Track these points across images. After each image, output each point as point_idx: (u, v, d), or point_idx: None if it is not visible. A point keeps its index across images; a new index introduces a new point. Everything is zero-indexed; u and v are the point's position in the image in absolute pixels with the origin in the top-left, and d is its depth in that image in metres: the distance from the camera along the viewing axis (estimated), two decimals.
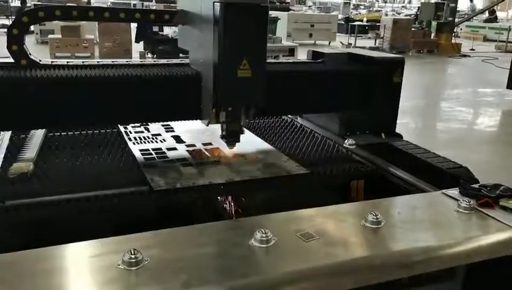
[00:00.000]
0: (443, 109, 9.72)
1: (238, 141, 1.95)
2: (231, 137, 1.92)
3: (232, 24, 1.69)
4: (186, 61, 2.16)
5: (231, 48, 1.72)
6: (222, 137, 1.93)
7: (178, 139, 2.28)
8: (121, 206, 1.65)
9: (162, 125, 2.46)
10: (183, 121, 2.22)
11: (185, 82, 1.96)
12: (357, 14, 30.57)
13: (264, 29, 1.78)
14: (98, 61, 2.12)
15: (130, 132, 2.34)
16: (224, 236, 1.33)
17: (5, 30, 1.89)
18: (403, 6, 43.73)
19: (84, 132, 2.29)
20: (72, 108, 1.84)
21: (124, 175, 1.81)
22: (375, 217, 1.39)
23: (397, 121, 2.48)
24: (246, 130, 2.29)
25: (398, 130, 2.47)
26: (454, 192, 1.64)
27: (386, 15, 27.03)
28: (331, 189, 2.04)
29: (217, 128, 2.01)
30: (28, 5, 18.61)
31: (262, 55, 1.79)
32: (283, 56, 11.64)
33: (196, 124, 2.20)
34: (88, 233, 1.29)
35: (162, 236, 1.30)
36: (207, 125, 1.92)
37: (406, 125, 7.71)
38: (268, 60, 1.92)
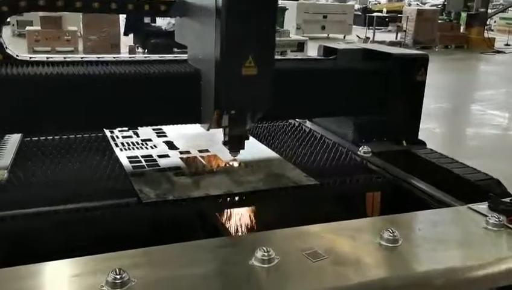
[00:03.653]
0: (473, 112, 9.72)
1: (243, 148, 1.96)
2: (235, 143, 1.94)
3: (236, 15, 1.71)
4: (183, 57, 2.19)
5: (235, 43, 1.73)
6: (225, 143, 1.95)
7: (171, 145, 2.30)
8: (106, 220, 1.66)
9: (153, 130, 2.48)
10: (177, 126, 2.24)
11: (181, 81, 1.98)
12: (376, 4, 30.66)
13: (272, 22, 1.80)
14: (81, 57, 2.15)
15: (117, 137, 2.36)
16: (221, 254, 1.35)
17: None
18: None
19: (65, 136, 2.31)
20: (52, 110, 1.86)
21: (109, 185, 1.83)
22: (392, 234, 1.40)
23: (420, 126, 2.50)
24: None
25: (421, 136, 2.48)
26: (482, 207, 1.65)
27: (409, 5, 27.06)
28: (343, 202, 2.06)
29: (215, 133, 2.04)
30: None
31: (270, 50, 1.80)
32: (291, 52, 11.67)
33: (191, 129, 2.21)
34: (69, 250, 1.30)
35: (152, 254, 1.32)
36: (207, 130, 1.94)
37: (431, 131, 7.71)
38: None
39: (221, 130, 1.93)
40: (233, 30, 1.71)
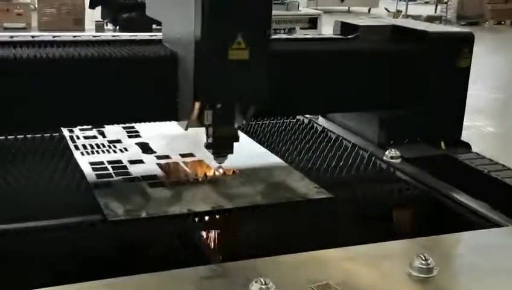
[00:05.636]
0: None
1: (231, 152, 1.97)
2: (220, 147, 1.95)
3: None
4: (160, 35, 2.19)
5: (221, 19, 1.74)
6: (207, 146, 1.96)
7: (145, 147, 2.31)
8: (63, 244, 1.67)
9: (123, 128, 2.49)
10: (153, 123, 2.25)
11: (155, 67, 1.99)
12: None
13: None
14: (32, 36, 2.15)
15: (78, 137, 2.37)
16: (207, 287, 1.35)
17: None
18: None
19: (12, 136, 2.31)
20: None
21: (67, 199, 1.84)
22: (424, 261, 1.40)
23: (464, 124, 2.50)
24: (243, 136, 2.32)
25: (464, 137, 2.48)
26: None
27: None
28: (363, 221, 2.06)
29: (201, 133, 2.04)
30: None
31: (264, 29, 1.81)
32: (301, 29, 11.70)
33: (172, 127, 2.22)
34: (18, 281, 1.31)
35: (120, 286, 1.32)
36: (185, 129, 1.95)
37: (478, 130, 7.71)
38: (279, 36, 1.95)
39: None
40: (218, 2, 1.72)
